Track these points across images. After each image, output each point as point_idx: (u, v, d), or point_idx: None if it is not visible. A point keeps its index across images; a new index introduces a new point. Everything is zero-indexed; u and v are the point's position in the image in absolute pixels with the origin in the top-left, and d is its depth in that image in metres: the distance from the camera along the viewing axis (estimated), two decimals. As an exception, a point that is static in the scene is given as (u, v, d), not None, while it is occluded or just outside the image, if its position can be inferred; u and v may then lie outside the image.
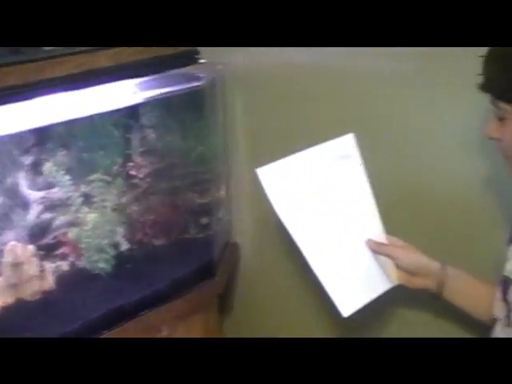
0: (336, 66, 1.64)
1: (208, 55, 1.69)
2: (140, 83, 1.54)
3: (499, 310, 1.22)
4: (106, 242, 1.61)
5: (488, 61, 1.11)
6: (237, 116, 1.79)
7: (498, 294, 1.23)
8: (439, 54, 1.43)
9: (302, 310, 1.81)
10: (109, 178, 1.62)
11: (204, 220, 1.78)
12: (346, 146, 1.39)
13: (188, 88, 1.63)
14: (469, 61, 1.14)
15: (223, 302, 1.86)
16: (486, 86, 1.12)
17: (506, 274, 1.22)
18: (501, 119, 1.11)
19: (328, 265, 1.30)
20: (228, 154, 1.81)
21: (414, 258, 1.37)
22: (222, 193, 1.81)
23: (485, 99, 1.13)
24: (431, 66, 1.51)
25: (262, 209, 1.79)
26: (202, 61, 1.69)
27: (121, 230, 1.65)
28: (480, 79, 1.12)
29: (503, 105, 1.09)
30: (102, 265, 1.59)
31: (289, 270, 1.79)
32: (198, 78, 1.64)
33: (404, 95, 1.57)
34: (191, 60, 1.67)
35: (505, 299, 1.20)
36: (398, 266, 1.37)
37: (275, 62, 1.70)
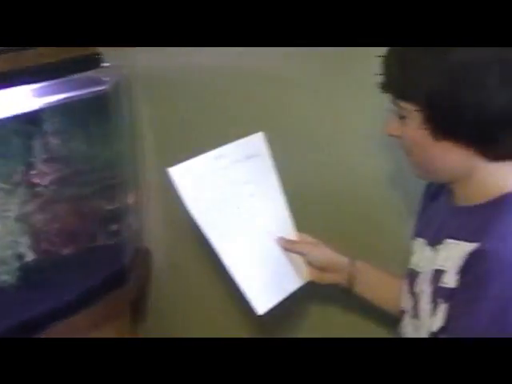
0: (242, 67, 1.64)
1: (112, 58, 1.66)
2: (41, 88, 1.50)
3: (406, 302, 1.25)
4: (8, 253, 1.55)
5: (387, 61, 1.12)
6: (144, 119, 1.77)
7: (405, 287, 1.26)
8: (343, 54, 1.45)
9: (216, 313, 1.81)
10: (9, 187, 1.56)
11: (113, 227, 1.75)
12: (255, 144, 1.40)
13: (92, 92, 1.60)
14: (371, 60, 1.15)
15: (137, 309, 1.83)
16: (386, 86, 1.14)
17: (411, 266, 1.25)
18: (401, 117, 1.13)
19: (242, 264, 1.31)
20: (136, 159, 1.79)
21: (324, 254, 1.39)
22: (131, 198, 1.78)
23: (387, 98, 1.16)
24: (335, 66, 1.54)
25: (173, 213, 1.79)
26: (105, 64, 1.66)
27: (25, 241, 1.60)
28: (380, 79, 1.14)
29: (403, 104, 1.11)
30: (4, 277, 1.54)
31: (202, 273, 1.78)
32: (101, 82, 1.61)
33: (310, 94, 1.59)
34: (94, 64, 1.64)
35: (411, 291, 1.23)
36: (309, 263, 1.38)
37: (181, 64, 1.69)
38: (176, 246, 1.83)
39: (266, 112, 1.64)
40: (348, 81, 1.54)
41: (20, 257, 1.59)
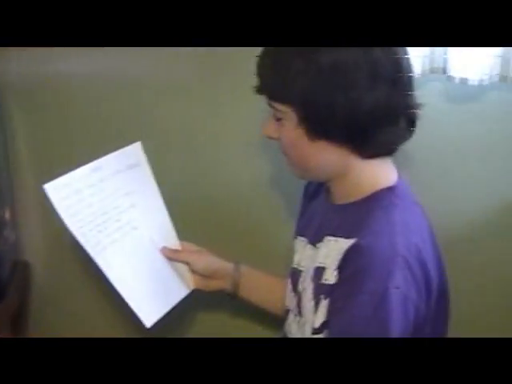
0: (115, 73, 1.63)
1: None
2: None
3: (290, 301, 1.29)
4: None
5: (260, 62, 1.15)
6: (17, 128, 1.71)
7: (289, 286, 1.30)
8: (220, 55, 1.47)
9: (100, 325, 1.79)
10: None
11: (-12, 240, 1.68)
12: (133, 154, 1.38)
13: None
14: (249, 62, 1.17)
15: (17, 323, 1.77)
16: (261, 88, 1.16)
17: (294, 266, 1.29)
18: (278, 119, 1.16)
19: (126, 277, 1.30)
20: (10, 169, 1.73)
21: (208, 261, 1.41)
22: (7, 211, 1.72)
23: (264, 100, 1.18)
24: (212, 68, 1.56)
25: (52, 223, 1.74)
26: (-27, 73, 1.61)
27: None
28: (255, 81, 1.16)
29: (278, 105, 1.13)
30: None
31: (85, 285, 1.76)
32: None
33: (187, 99, 1.61)
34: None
35: (295, 290, 1.26)
36: (194, 271, 1.40)
37: (52, 71, 1.66)
38: (56, 258, 1.79)
39: (142, 119, 1.64)
40: (225, 84, 1.56)
41: None
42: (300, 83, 1.09)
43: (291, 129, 1.14)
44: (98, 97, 1.66)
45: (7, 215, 1.72)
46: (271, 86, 1.14)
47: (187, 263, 1.39)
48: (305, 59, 1.08)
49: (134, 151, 1.39)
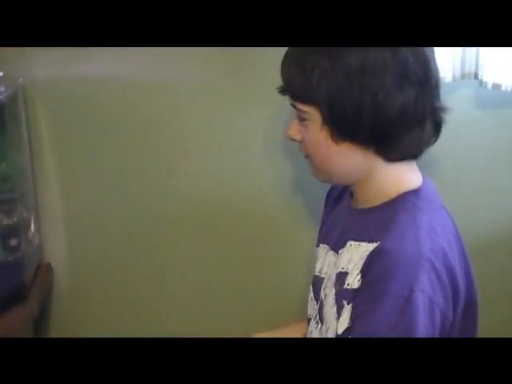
0: (140, 77, 1.63)
1: (7, 69, 1.61)
2: None
3: (312, 309, 1.27)
4: None
5: (286, 62, 1.14)
6: (41, 131, 1.72)
7: (311, 294, 1.27)
8: (239, 57, 1.47)
9: (120, 329, 1.77)
10: None
11: (12, 242, 1.67)
12: None
13: (-13, 103, 1.54)
14: (270, 63, 1.16)
15: (38, 325, 1.77)
16: (286, 88, 1.15)
17: (316, 273, 1.27)
18: (301, 120, 1.14)
19: None
20: (35, 171, 1.74)
21: None
22: (30, 213, 1.72)
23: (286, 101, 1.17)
24: (232, 71, 1.55)
25: (75, 227, 1.76)
26: (0, 74, 1.61)
27: None
28: (280, 81, 1.15)
29: (302, 106, 1.12)
30: None
31: (105, 287, 1.76)
32: (-3, 92, 1.56)
33: (206, 100, 1.60)
34: (-11, 74, 1.59)
35: (316, 297, 1.24)
36: None
37: (78, 74, 1.66)
38: (78, 261, 1.79)
39: (165, 123, 1.64)
40: (245, 87, 1.56)
41: None
42: (326, 83, 1.08)
43: (315, 130, 1.12)
44: (121, 101, 1.66)
45: (31, 218, 1.72)
46: (296, 86, 1.13)
47: None
48: (331, 59, 1.07)
49: None
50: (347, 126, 1.10)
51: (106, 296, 1.77)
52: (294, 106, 1.15)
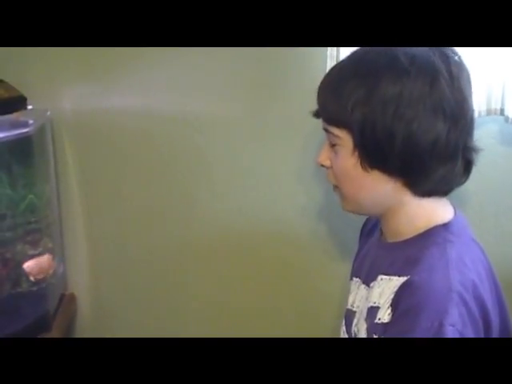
0: (165, 111, 1.66)
1: (35, 102, 1.65)
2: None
3: (343, 343, 1.26)
4: None
5: (322, 87, 1.15)
6: (68, 163, 1.75)
7: (343, 327, 1.27)
8: (270, 86, 1.49)
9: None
10: None
11: (37, 272, 1.70)
12: None
13: (16, 135, 1.57)
14: (302, 88, 1.17)
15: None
16: (319, 111, 1.16)
17: (348, 307, 1.26)
18: (333, 146, 1.15)
19: None
20: (60, 202, 1.76)
21: None
22: (55, 242, 1.74)
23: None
24: (258, 104, 1.57)
25: (98, 256, 1.77)
26: (29, 107, 1.64)
27: None
28: (315, 106, 1.17)
29: (334, 130, 1.13)
30: None
31: (128, 317, 1.77)
32: (26, 125, 1.58)
33: (234, 133, 1.62)
34: (19, 106, 1.62)
35: (349, 331, 1.24)
36: None
37: (104, 107, 1.69)
38: (101, 291, 1.80)
39: (190, 157, 1.66)
40: (275, 116, 1.57)
41: None
42: (360, 109, 1.08)
43: (345, 156, 1.13)
44: (145, 134, 1.68)
45: (56, 249, 1.74)
46: (331, 110, 1.13)
47: None
48: (368, 86, 1.08)
49: None
50: (378, 153, 1.09)
51: (128, 326, 1.78)
52: (327, 130, 1.15)
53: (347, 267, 1.36)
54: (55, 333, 1.64)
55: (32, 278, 1.66)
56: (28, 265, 1.66)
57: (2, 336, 1.54)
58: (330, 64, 1.43)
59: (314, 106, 1.17)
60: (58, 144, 1.73)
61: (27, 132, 1.58)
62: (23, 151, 1.62)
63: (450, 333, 1.01)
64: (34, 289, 1.69)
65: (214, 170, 1.65)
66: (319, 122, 1.17)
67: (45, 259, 1.68)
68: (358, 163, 1.11)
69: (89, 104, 1.70)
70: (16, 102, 1.61)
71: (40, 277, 1.67)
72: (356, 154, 1.11)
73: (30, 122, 1.59)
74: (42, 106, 1.68)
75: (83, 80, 1.68)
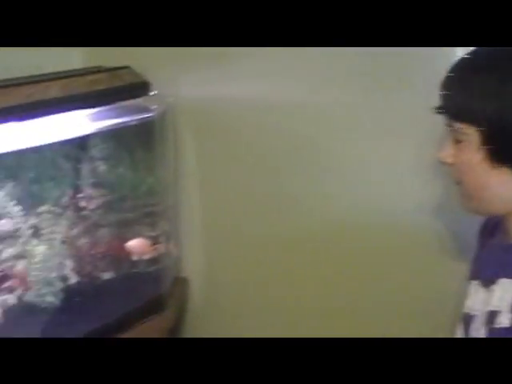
0: (284, 100, 1.65)
1: (159, 87, 1.69)
2: (91, 114, 1.52)
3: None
4: (54, 275, 1.56)
5: (448, 81, 1.12)
6: (187, 148, 1.78)
7: (460, 332, 1.24)
8: (389, 75, 1.46)
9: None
10: (58, 210, 1.58)
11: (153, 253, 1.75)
12: None
13: (139, 119, 1.62)
14: (421, 82, 1.14)
15: (173, 336, 1.83)
16: (445, 108, 1.13)
17: (466, 310, 1.22)
18: (457, 142, 1.12)
19: None
20: (178, 187, 1.80)
21: None
22: (172, 226, 1.79)
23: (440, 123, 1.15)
24: (370, 93, 1.54)
25: (212, 242, 1.80)
26: (152, 93, 1.69)
27: (69, 263, 1.61)
28: (439, 102, 1.13)
29: (460, 126, 1.09)
30: (50, 298, 1.55)
31: (239, 303, 1.79)
32: (148, 110, 1.63)
33: (345, 124, 1.59)
34: (142, 92, 1.67)
35: (467, 335, 1.20)
36: None
37: (224, 95, 1.71)
38: (213, 276, 1.83)
39: (304, 145, 1.65)
40: (389, 109, 1.54)
41: (64, 279, 1.60)
42: (492, 103, 1.04)
43: (471, 152, 1.09)
44: (263, 121, 1.68)
45: (172, 229, 1.79)
46: (458, 105, 1.10)
47: None
48: (499, 80, 1.04)
49: None
50: (507, 148, 1.06)
51: (239, 311, 1.79)
52: (451, 126, 1.11)
53: (464, 267, 1.32)
54: (168, 314, 1.68)
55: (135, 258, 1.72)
56: (131, 244, 1.71)
57: (116, 317, 1.59)
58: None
59: (434, 101, 1.14)
60: (178, 129, 1.76)
61: (150, 117, 1.63)
62: (145, 136, 1.67)
63: None
64: (150, 269, 1.74)
65: (328, 162, 1.63)
66: (438, 117, 1.14)
67: (145, 241, 1.73)
68: (485, 159, 1.08)
69: (208, 91, 1.72)
70: (140, 88, 1.66)
71: (145, 257, 1.72)
72: (483, 149, 1.07)
73: (153, 107, 1.64)
74: (165, 92, 1.71)
75: (203, 67, 1.69)
